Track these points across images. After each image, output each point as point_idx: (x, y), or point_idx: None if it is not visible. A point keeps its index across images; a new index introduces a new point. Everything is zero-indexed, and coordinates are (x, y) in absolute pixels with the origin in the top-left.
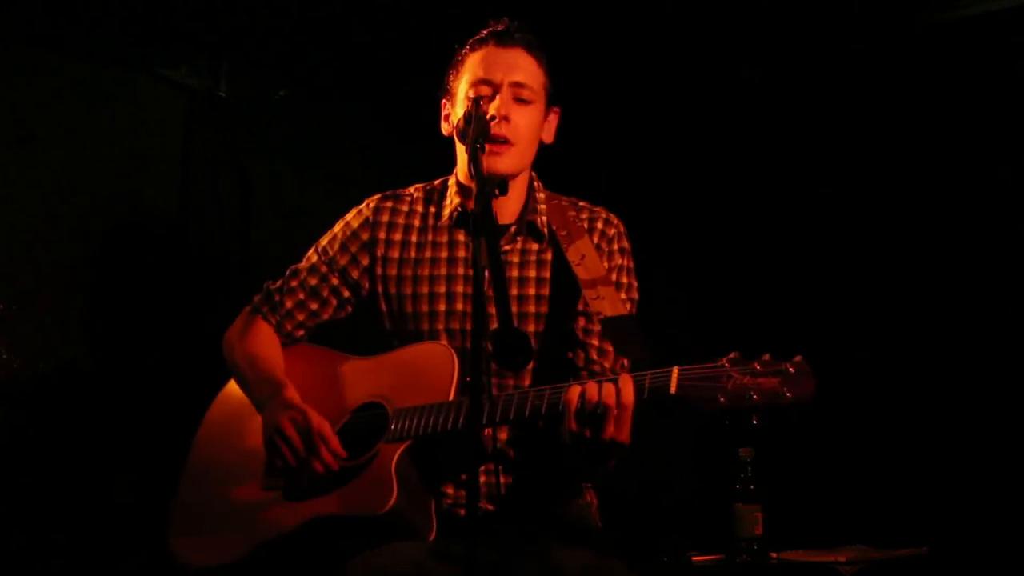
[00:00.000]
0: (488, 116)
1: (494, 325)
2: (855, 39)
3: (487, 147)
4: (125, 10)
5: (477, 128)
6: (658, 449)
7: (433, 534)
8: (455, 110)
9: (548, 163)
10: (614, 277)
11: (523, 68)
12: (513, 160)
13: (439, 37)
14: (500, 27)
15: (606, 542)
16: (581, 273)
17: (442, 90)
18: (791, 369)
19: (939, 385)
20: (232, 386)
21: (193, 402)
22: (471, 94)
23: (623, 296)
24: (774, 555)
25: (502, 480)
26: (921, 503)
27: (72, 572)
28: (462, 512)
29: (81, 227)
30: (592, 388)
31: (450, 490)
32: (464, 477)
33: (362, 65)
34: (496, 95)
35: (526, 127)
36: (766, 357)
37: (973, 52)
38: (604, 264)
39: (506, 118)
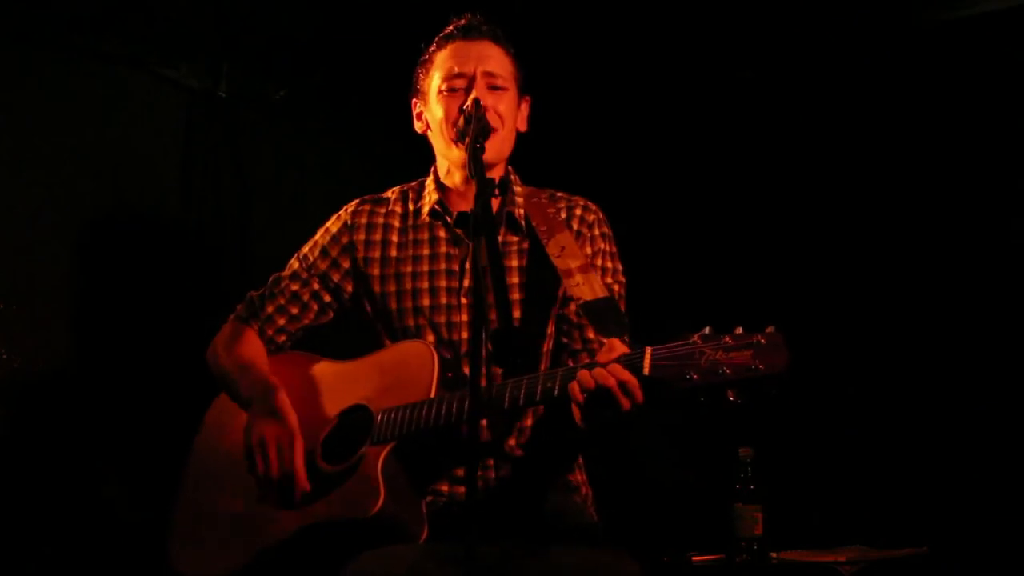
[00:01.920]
0: (465, 107)
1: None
2: (855, 39)
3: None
4: (125, 10)
5: (477, 128)
6: (658, 448)
7: (425, 534)
8: (428, 108)
9: (533, 154)
10: (598, 262)
11: (493, 58)
12: (496, 146)
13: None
14: (464, 22)
15: (606, 538)
16: (560, 264)
17: (412, 90)
18: (763, 341)
19: (939, 385)
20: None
21: (192, 403)
22: (443, 88)
23: (607, 280)
24: (774, 555)
25: (493, 476)
26: (921, 503)
27: (71, 572)
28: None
29: (81, 227)
30: (586, 377)
31: (444, 488)
32: (460, 473)
33: (362, 65)
34: (471, 87)
35: (505, 112)
36: (738, 330)
37: (973, 52)
38: (587, 250)
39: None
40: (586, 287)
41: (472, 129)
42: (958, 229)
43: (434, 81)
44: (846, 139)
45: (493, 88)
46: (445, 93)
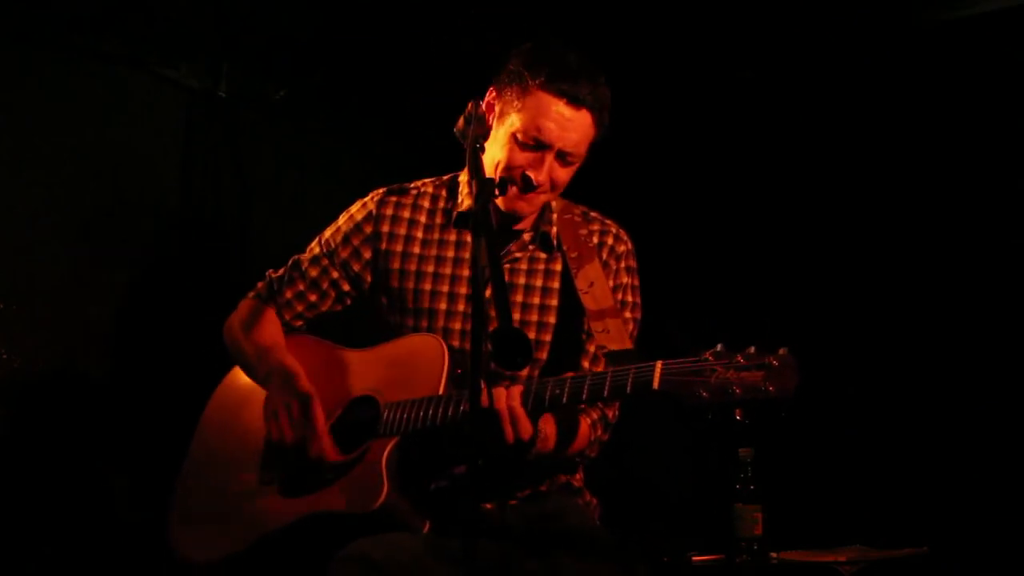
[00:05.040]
0: (526, 171)
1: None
2: (855, 39)
3: (512, 189)
4: (125, 10)
5: (477, 128)
6: (659, 450)
7: (426, 528)
8: (498, 125)
9: None
10: (619, 296)
11: (581, 134)
12: (538, 205)
13: (439, 38)
14: (576, 83)
15: (608, 542)
16: (589, 303)
17: (499, 79)
18: (775, 363)
19: (938, 386)
20: (231, 378)
21: (192, 401)
22: (519, 136)
23: (625, 315)
24: (774, 555)
25: (495, 474)
26: (920, 503)
27: (71, 572)
28: (459, 508)
29: (81, 227)
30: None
31: (447, 484)
32: (461, 471)
33: (362, 65)
34: (544, 158)
35: (561, 181)
36: (751, 350)
37: (973, 52)
38: (610, 283)
39: (542, 182)
40: (615, 335)
41: (472, 129)
42: (958, 229)
43: (518, 115)
44: (845, 140)
45: (564, 164)
46: (518, 141)
